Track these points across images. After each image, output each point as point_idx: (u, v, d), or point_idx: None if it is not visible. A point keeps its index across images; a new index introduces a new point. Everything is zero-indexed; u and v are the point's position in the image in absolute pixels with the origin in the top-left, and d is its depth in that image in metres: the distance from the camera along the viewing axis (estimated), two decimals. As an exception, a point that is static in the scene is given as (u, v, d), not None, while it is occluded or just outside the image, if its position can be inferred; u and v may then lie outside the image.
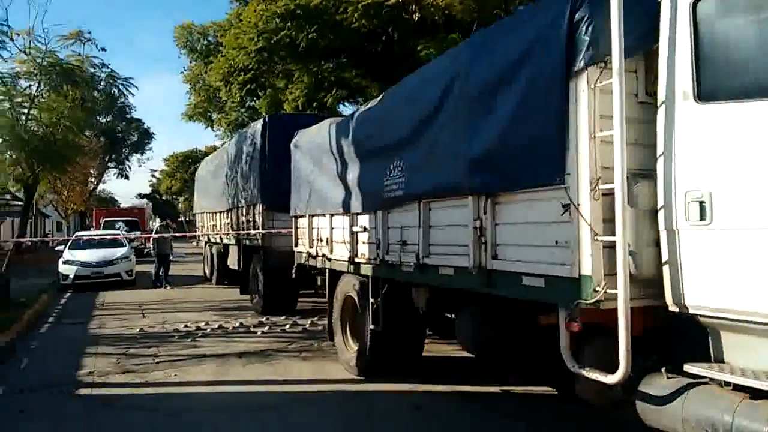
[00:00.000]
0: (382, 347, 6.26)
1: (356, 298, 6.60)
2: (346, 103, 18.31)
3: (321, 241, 7.48)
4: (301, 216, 8.25)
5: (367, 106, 6.17)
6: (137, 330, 9.72)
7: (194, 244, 26.94)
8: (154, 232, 17.35)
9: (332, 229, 7.08)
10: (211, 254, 17.16)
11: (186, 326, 9.95)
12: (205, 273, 18.50)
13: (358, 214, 6.33)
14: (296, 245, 8.60)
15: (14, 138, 10.76)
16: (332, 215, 7.03)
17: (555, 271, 3.61)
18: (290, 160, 10.55)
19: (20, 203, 32.95)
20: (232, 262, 14.36)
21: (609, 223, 3.27)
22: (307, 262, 8.01)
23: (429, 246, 4.99)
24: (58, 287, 16.16)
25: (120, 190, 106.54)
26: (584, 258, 3.39)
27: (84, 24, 30.22)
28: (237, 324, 10.03)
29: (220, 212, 14.82)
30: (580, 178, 3.42)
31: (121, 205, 56.91)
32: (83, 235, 19.55)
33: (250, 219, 11.67)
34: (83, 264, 16.27)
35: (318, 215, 7.49)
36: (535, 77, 3.65)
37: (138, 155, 39.90)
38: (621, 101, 3.15)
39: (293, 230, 8.68)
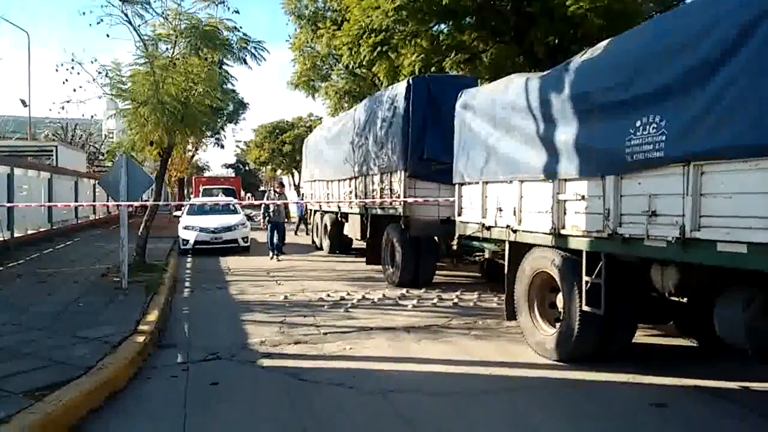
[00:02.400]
0: (594, 331, 5.55)
1: (556, 275, 5.89)
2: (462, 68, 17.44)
3: (501, 210, 6.80)
4: (470, 183, 7.58)
5: (591, 56, 5.36)
6: (282, 298, 9.47)
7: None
8: (265, 198, 17.11)
9: (521, 197, 6.37)
10: (324, 223, 16.94)
11: (329, 296, 9.61)
12: (314, 242, 18.37)
13: (568, 180, 5.58)
14: (459, 214, 7.97)
15: (156, 102, 10.63)
16: (523, 182, 6.31)
17: None
18: (434, 123, 9.95)
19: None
20: (353, 232, 14.01)
21: None
22: (478, 234, 7.36)
23: (699, 218, 4.19)
24: (179, 251, 16.44)
25: (211, 160, 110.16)
26: None
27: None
28: (380, 295, 9.60)
29: (340, 180, 14.44)
30: None
31: (208, 174, 58.50)
32: (198, 202, 19.85)
33: (385, 187, 11.15)
34: (203, 230, 16.45)
35: (499, 182, 6.79)
36: None
37: (232, 125, 40.55)
38: None
39: (456, 198, 8.04)
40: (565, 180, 5.62)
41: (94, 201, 24.69)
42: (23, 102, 27.65)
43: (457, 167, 7.87)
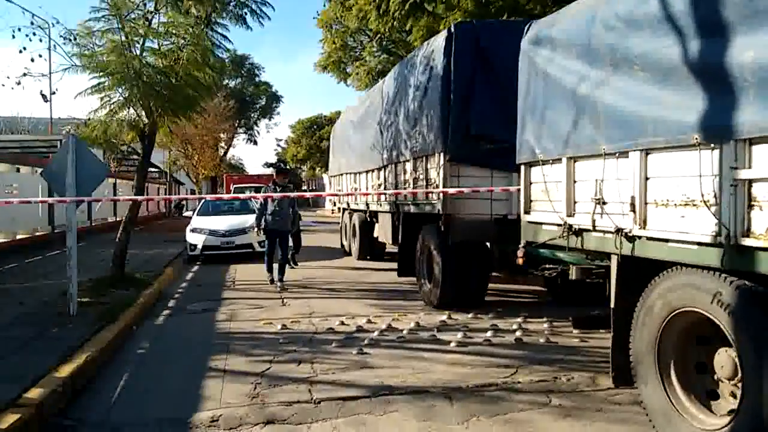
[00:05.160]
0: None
1: (723, 321, 3.16)
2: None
3: (604, 203, 4.09)
4: (546, 162, 4.88)
5: None
6: (278, 327, 6.96)
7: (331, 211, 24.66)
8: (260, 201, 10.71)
9: (646, 179, 3.66)
10: (353, 224, 14.43)
11: (342, 323, 7.07)
12: (342, 245, 15.89)
13: (764, 140, 2.85)
14: (528, 211, 5.27)
15: (126, 71, 8.32)
16: (649, 151, 3.60)
17: None
18: (485, 86, 7.32)
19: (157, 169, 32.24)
20: (384, 234, 11.41)
21: None
22: (560, 241, 4.66)
23: None
24: (185, 259, 14.24)
25: (247, 158, 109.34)
26: None
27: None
28: (412, 324, 6.97)
29: (368, 171, 11.89)
30: None
31: (248, 173, 56.94)
32: (211, 200, 17.64)
33: (419, 176, 8.53)
34: (212, 233, 14.17)
35: (599, 155, 4.08)
36: None
37: (266, 120, 38.71)
38: None
39: (522, 187, 5.35)
40: (753, 141, 2.88)
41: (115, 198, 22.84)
42: (44, 96, 26.17)
43: (523, 138, 5.18)
